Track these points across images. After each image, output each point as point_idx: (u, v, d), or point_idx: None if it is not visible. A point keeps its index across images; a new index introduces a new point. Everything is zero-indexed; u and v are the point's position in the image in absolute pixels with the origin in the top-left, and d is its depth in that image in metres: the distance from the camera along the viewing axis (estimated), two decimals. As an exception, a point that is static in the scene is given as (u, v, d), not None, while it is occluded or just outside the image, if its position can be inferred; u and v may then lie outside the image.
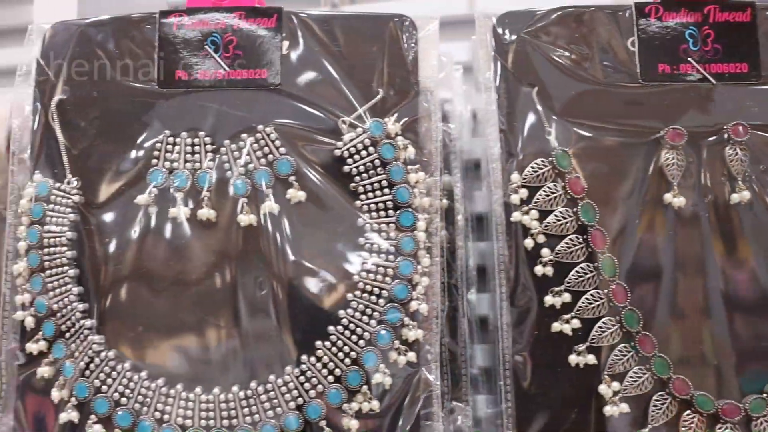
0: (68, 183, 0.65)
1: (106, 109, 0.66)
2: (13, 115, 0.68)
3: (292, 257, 0.63)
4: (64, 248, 0.64)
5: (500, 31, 0.65)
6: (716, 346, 0.62)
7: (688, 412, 0.61)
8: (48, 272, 0.64)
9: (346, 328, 0.62)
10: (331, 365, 0.62)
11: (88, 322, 0.63)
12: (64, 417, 0.63)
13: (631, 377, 0.61)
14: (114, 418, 0.62)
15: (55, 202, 0.65)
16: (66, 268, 0.64)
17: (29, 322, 0.64)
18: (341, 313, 0.62)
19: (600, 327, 0.61)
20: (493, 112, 0.64)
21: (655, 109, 0.63)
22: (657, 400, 0.61)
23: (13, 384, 0.65)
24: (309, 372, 0.62)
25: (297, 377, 0.62)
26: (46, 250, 0.65)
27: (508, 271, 0.63)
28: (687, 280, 0.62)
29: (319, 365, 0.62)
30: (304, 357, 0.62)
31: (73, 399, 0.63)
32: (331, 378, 0.62)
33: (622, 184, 0.63)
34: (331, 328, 0.62)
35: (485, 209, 0.76)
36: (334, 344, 0.62)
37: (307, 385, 0.62)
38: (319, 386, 0.62)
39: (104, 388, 0.63)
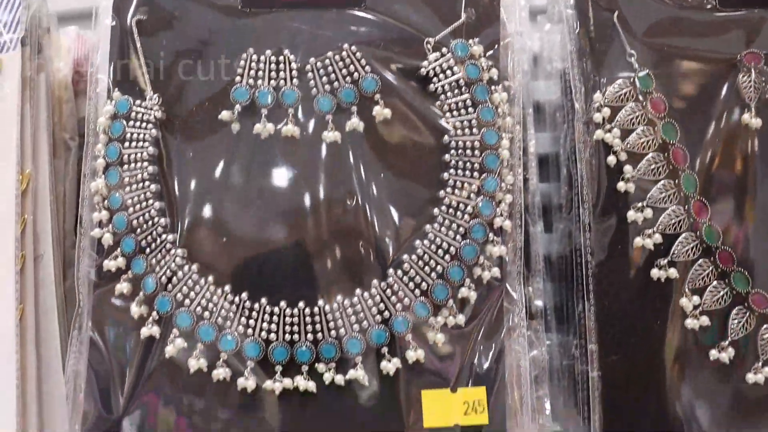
0: (150, 99, 0.65)
1: (187, 28, 0.66)
2: (87, 42, 0.68)
3: (377, 174, 0.63)
4: (146, 163, 0.64)
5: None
6: (796, 260, 0.63)
7: (767, 326, 0.63)
8: (128, 188, 0.64)
9: (432, 242, 0.62)
10: (417, 279, 0.62)
11: (170, 237, 0.63)
12: (145, 332, 0.62)
13: (710, 291, 0.63)
14: (197, 332, 0.61)
15: (135, 119, 0.65)
16: (147, 183, 0.64)
17: (107, 239, 0.63)
18: (427, 227, 0.63)
19: (681, 242, 0.63)
20: (574, 35, 0.65)
21: (733, 34, 0.66)
22: (736, 314, 0.63)
23: (90, 301, 0.63)
24: (396, 285, 0.62)
25: (384, 291, 0.62)
26: (126, 166, 0.64)
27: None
28: (763, 196, 0.64)
29: (406, 279, 0.62)
30: (390, 271, 0.62)
31: (154, 314, 0.62)
32: (417, 292, 0.62)
33: (701, 105, 0.65)
34: (417, 242, 0.62)
35: (545, 150, 0.77)
36: (420, 258, 0.62)
37: (393, 299, 0.62)
38: (406, 299, 0.62)
39: (186, 302, 0.62)
